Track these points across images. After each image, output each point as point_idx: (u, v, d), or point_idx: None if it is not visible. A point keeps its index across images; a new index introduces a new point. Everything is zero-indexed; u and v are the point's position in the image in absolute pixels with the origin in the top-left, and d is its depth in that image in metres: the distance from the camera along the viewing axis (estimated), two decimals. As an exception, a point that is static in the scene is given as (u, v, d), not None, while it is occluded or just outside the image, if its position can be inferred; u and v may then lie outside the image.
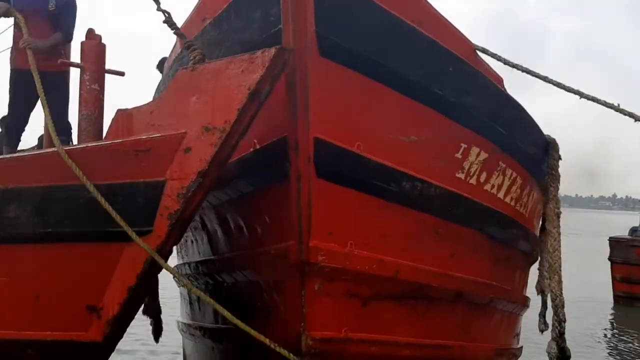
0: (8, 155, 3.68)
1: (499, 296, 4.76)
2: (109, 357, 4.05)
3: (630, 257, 13.48)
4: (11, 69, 4.73)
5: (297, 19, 3.19)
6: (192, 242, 4.99)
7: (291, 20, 3.21)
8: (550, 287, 4.90)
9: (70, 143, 4.62)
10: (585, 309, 11.95)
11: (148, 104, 3.50)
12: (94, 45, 4.15)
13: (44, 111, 3.96)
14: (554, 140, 5.09)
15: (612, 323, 11.82)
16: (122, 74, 4.35)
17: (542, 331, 5.64)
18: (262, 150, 3.54)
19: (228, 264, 4.21)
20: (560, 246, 4.97)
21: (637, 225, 15.29)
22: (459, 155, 3.87)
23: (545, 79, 4.09)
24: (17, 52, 4.68)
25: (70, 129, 4.75)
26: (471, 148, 3.91)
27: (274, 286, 3.66)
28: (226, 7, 3.69)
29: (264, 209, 3.65)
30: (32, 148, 5.21)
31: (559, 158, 5.07)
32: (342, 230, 3.45)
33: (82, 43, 4.16)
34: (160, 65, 7.48)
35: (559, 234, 5.01)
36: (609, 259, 14.07)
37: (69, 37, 4.76)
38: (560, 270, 4.97)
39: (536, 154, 4.86)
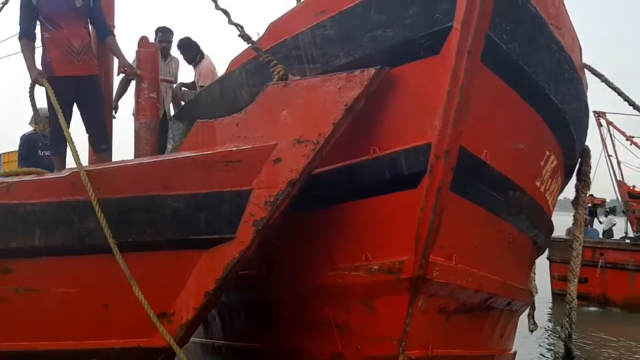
0: (89, 167, 3.64)
1: (525, 300, 4.99)
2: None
3: (568, 256, 14.20)
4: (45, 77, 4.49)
5: (477, 19, 3.00)
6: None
7: (475, 19, 3.00)
8: (570, 290, 5.06)
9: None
10: (526, 306, 12.58)
11: (233, 116, 3.58)
12: (150, 54, 4.19)
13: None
14: (587, 146, 5.24)
15: (550, 320, 12.43)
16: (171, 81, 4.39)
17: (532, 331, 5.88)
18: (391, 157, 3.37)
19: (286, 277, 4.00)
20: (582, 251, 5.17)
21: (573, 225, 16.10)
22: (542, 163, 3.97)
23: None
24: (52, 59, 4.56)
25: (110, 136, 4.71)
26: (551, 155, 4.03)
27: (364, 302, 3.52)
28: (364, 1, 3.38)
29: (364, 221, 3.51)
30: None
31: (591, 165, 5.26)
32: (451, 243, 3.39)
33: (138, 51, 4.17)
34: (182, 47, 7.02)
35: (583, 239, 5.21)
36: (548, 258, 14.73)
37: (111, 32, 4.74)
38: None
39: (576, 161, 5.06)
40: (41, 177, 3.65)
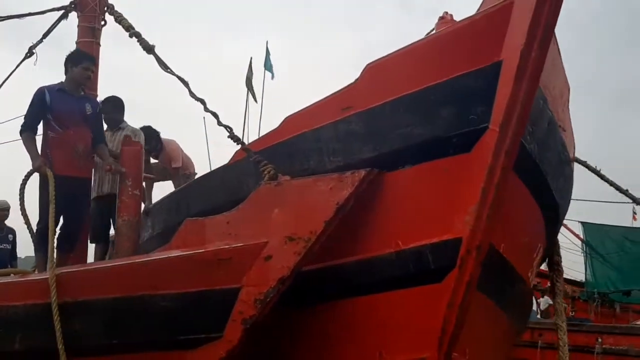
0: (76, 267, 3.59)
1: None
2: None
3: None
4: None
5: (515, 122, 3.08)
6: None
7: (514, 123, 3.06)
8: (563, 381, 4.80)
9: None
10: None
11: (223, 214, 3.64)
12: (135, 152, 4.24)
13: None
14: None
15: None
16: (153, 178, 4.45)
17: None
18: (417, 250, 3.32)
19: None
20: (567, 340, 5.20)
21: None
22: (534, 255, 4.04)
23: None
24: (54, 158, 4.64)
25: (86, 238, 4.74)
26: (541, 248, 4.11)
27: None
28: (395, 99, 3.40)
29: (378, 316, 3.41)
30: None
31: (561, 255, 5.27)
32: (465, 337, 3.28)
33: (123, 150, 4.24)
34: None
35: (567, 327, 5.08)
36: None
37: (104, 141, 4.92)
38: None
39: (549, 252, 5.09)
40: (25, 278, 3.56)
